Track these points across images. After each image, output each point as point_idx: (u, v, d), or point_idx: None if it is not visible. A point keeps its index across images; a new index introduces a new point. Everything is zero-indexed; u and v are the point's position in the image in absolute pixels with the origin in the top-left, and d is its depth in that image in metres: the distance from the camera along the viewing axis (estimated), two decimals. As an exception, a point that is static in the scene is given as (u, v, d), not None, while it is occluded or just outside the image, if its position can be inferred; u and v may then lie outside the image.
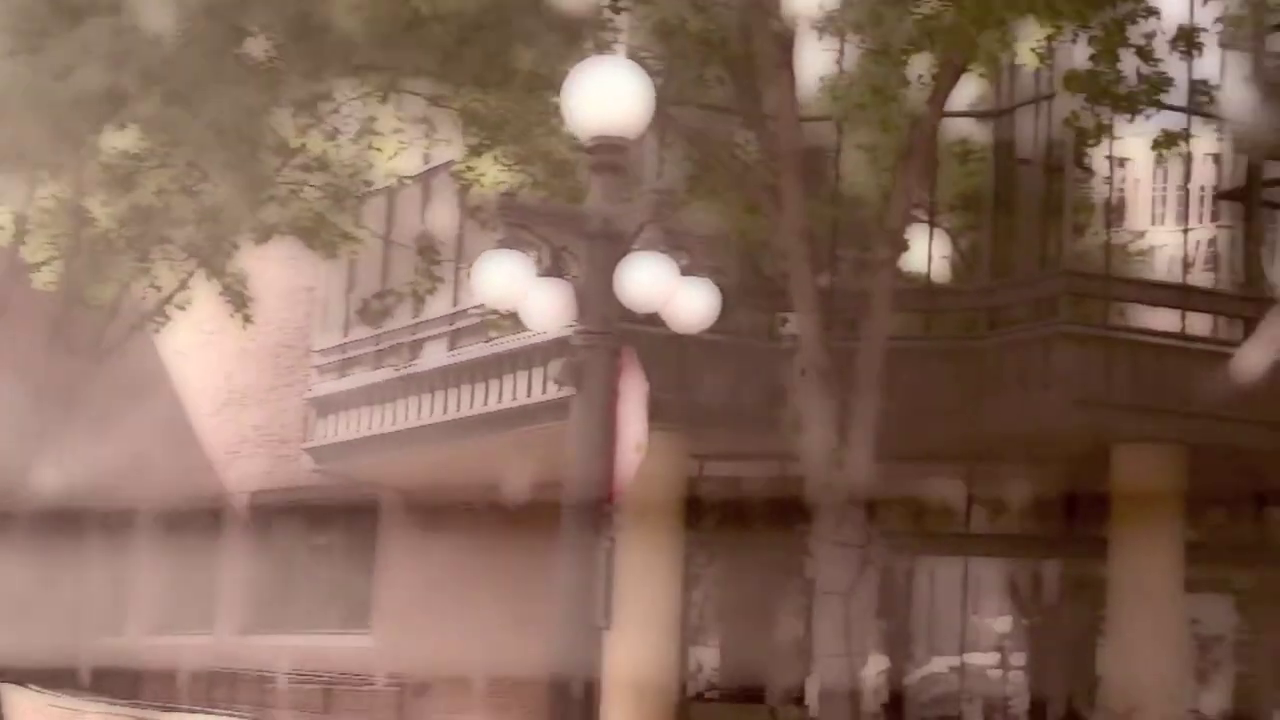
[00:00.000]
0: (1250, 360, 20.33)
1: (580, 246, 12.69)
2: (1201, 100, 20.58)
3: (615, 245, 12.57)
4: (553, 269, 12.93)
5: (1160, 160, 25.39)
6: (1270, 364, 20.54)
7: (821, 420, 18.63)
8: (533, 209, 14.38)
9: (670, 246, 12.76)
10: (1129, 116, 19.38)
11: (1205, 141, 25.92)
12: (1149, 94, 18.62)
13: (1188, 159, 25.35)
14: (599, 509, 12.43)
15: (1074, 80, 18.82)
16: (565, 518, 12.41)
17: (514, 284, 12.90)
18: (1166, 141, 19.51)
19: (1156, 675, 24.13)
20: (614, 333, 12.59)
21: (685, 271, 13.04)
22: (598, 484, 12.47)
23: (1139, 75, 18.49)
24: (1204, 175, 26.49)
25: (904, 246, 20.21)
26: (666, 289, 12.79)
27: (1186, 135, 23.08)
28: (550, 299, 12.86)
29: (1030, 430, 24.29)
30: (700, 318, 13.26)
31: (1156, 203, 26.83)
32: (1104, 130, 20.87)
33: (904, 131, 18.10)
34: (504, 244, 12.93)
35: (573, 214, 13.07)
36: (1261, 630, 29.08)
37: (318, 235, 22.93)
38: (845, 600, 18.56)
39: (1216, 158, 26.38)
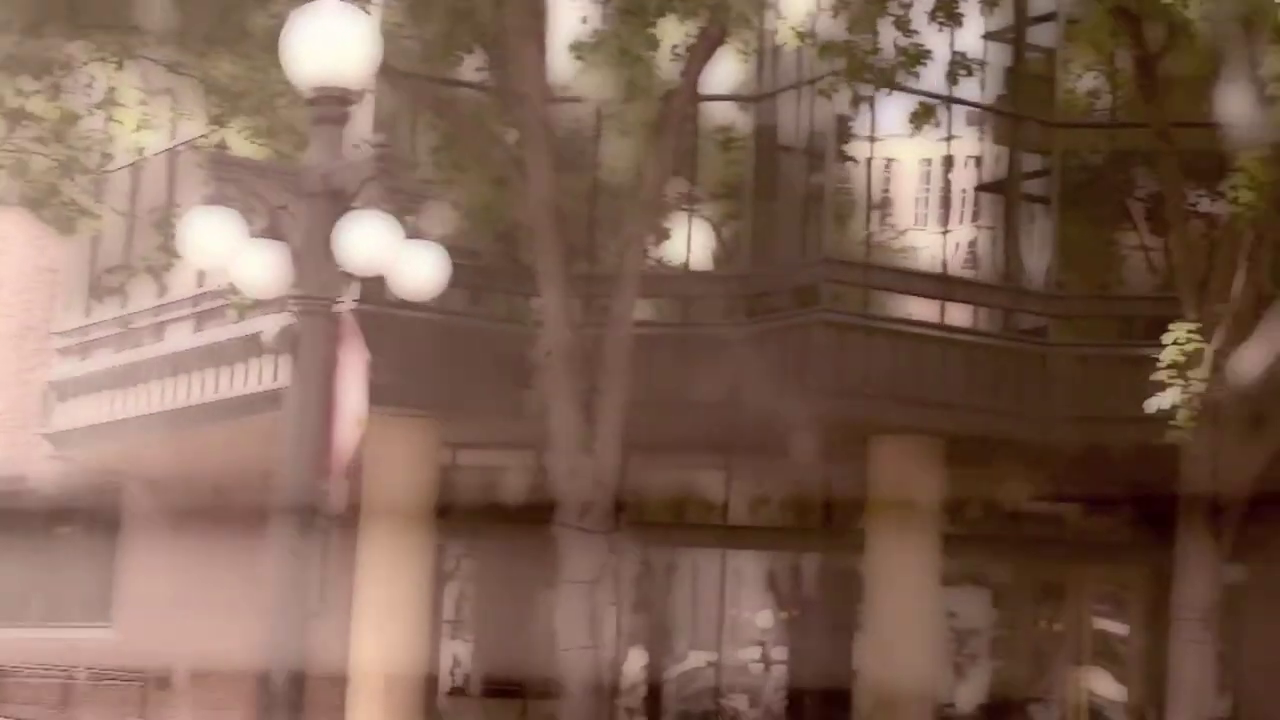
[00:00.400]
0: (1249, 361, 19.79)
1: (298, 205, 11.53)
2: (961, 73, 19.82)
3: (335, 203, 11.43)
4: (270, 230, 11.78)
5: (925, 161, 25.02)
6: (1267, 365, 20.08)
7: (567, 403, 17.62)
8: (245, 163, 13.21)
9: (396, 206, 11.66)
10: (887, 89, 18.65)
11: (968, 143, 25.44)
12: (906, 65, 17.91)
13: (948, 160, 24.95)
14: (315, 487, 11.31)
15: (830, 50, 18.04)
16: (278, 497, 11.27)
17: (223, 244, 11.72)
18: (923, 115, 18.76)
19: (912, 668, 23.57)
20: (332, 298, 11.47)
21: (412, 234, 11.96)
22: (315, 461, 11.35)
23: (896, 47, 17.77)
24: (967, 176, 25.92)
25: (656, 224, 19.27)
26: (390, 251, 11.69)
27: (949, 104, 22.64)
28: (265, 262, 11.72)
29: (789, 420, 23.47)
30: (428, 283, 12.14)
31: (921, 204, 26.26)
32: (861, 103, 20.07)
33: (652, 95, 17.16)
34: (213, 201, 11.75)
35: (289, 169, 11.91)
36: (1018, 624, 28.75)
37: (48, 207, 21.44)
38: (590, 590, 17.58)
39: (979, 159, 25.82)
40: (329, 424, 11.53)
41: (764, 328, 23.76)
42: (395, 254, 11.74)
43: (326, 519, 11.47)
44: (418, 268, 12.02)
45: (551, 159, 17.62)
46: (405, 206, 11.82)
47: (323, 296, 11.48)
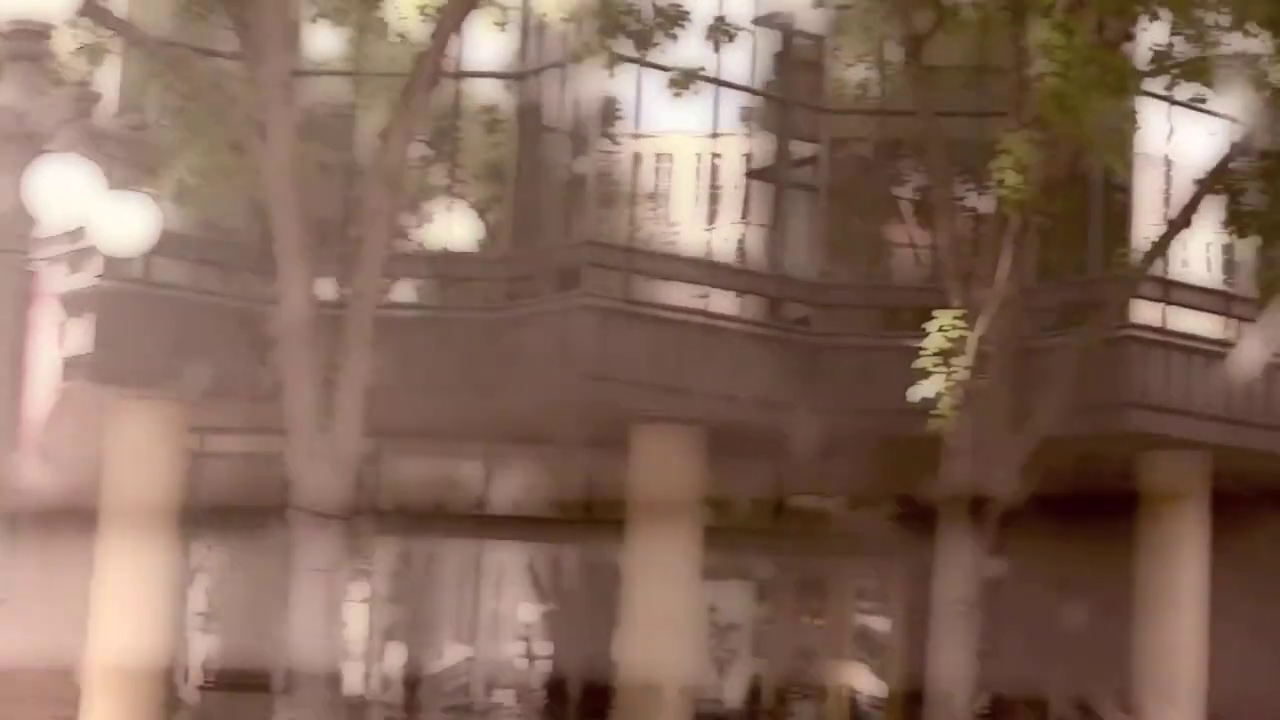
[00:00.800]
0: (1247, 358, 19.10)
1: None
2: (722, 38, 18.99)
3: (29, 147, 10.21)
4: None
5: (699, 159, 24.32)
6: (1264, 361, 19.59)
7: (303, 380, 16.43)
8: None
9: (100, 152, 10.48)
10: (644, 49, 17.79)
11: (738, 132, 24.73)
12: (665, 28, 17.05)
13: (717, 149, 24.43)
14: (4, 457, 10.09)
15: (584, 9, 17.13)
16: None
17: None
18: (685, 79, 17.87)
19: (671, 662, 22.79)
20: (23, 250, 10.23)
21: (120, 184, 10.79)
22: (5, 428, 10.12)
23: (655, 8, 16.93)
24: (736, 164, 25.14)
25: (401, 193, 18.18)
26: (90, 200, 10.49)
27: (717, 85, 21.95)
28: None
29: (549, 407, 22.52)
30: (133, 236, 10.98)
31: (689, 192, 25.49)
32: (617, 65, 19.13)
33: (396, 47, 16.14)
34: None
35: (-24, 109, 10.63)
36: (780, 619, 28.19)
37: None
38: (326, 578, 16.42)
39: (748, 148, 25.04)
40: (18, 391, 10.34)
41: (526, 312, 22.79)
42: (96, 203, 10.57)
43: (14, 491, 10.28)
44: (121, 219, 10.86)
45: (292, 122, 16.44)
46: (110, 153, 10.63)
47: (12, 249, 10.23)
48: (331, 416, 16.51)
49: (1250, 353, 22.46)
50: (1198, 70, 17.78)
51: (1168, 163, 23.36)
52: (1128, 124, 17.28)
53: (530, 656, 28.90)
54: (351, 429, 16.53)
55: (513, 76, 23.52)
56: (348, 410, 16.55)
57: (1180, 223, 20.71)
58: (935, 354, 18.46)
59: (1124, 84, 16.49)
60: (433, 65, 17.07)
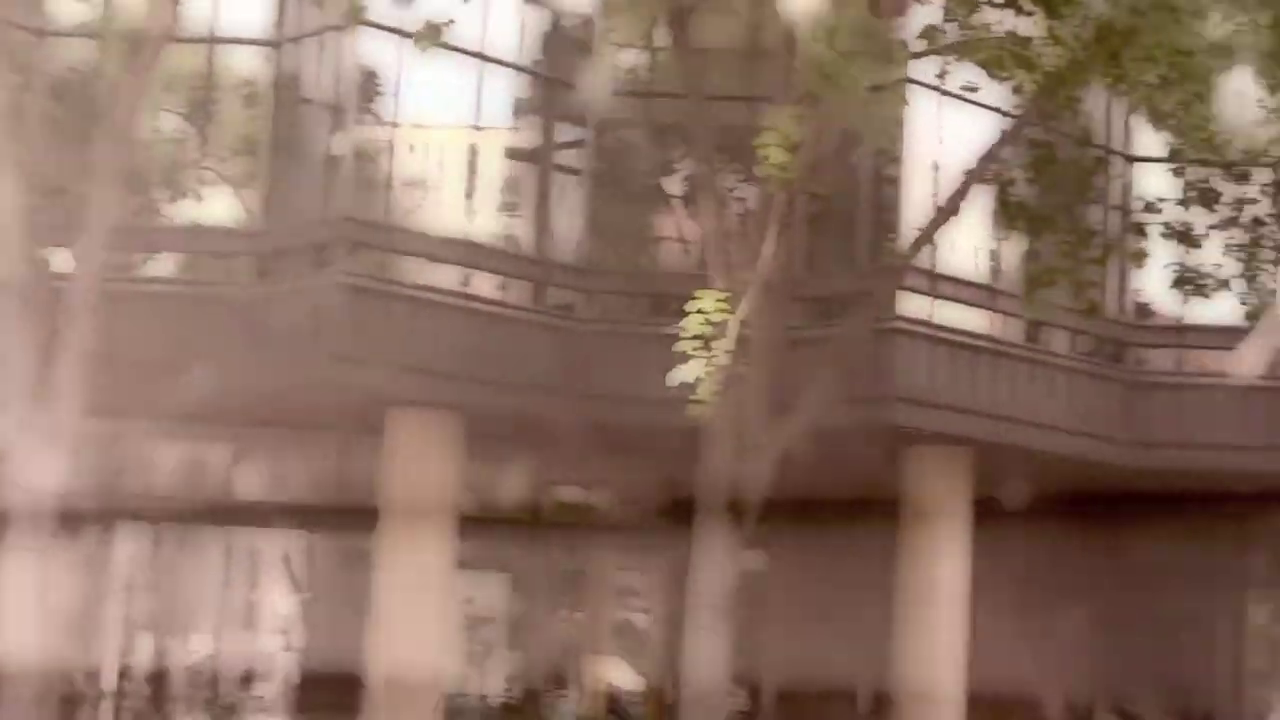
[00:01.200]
0: (1247, 360, 18.33)
1: None
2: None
3: None
4: None
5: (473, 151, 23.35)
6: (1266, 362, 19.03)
7: (18, 348, 15.16)
8: None
9: None
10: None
11: (505, 113, 23.85)
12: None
13: (481, 132, 23.36)
14: None
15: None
16: None
17: None
18: (429, 35, 16.76)
19: (422, 654, 21.84)
20: None
21: None
22: None
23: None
24: (501, 146, 24.13)
25: (129, 153, 16.96)
26: None
27: (482, 60, 21.39)
28: None
29: (301, 389, 21.33)
30: None
31: (454, 172, 24.47)
32: (359, 12, 17.96)
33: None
34: None
35: None
36: (538, 612, 27.40)
37: None
38: (37, 560, 15.14)
39: (515, 129, 24.11)
40: None
41: (278, 290, 21.59)
42: None
43: None
44: None
45: (10, 74, 15.13)
46: None
47: None
48: (49, 389, 15.24)
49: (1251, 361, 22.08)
50: (969, 48, 17.05)
51: (938, 158, 22.79)
52: (895, 99, 16.50)
53: (284, 648, 27.89)
54: (70, 402, 15.29)
55: (269, 44, 22.32)
56: (67, 382, 15.30)
57: (947, 211, 20.03)
58: (695, 337, 17.48)
59: (889, 54, 15.70)
60: (167, 15, 15.85)
